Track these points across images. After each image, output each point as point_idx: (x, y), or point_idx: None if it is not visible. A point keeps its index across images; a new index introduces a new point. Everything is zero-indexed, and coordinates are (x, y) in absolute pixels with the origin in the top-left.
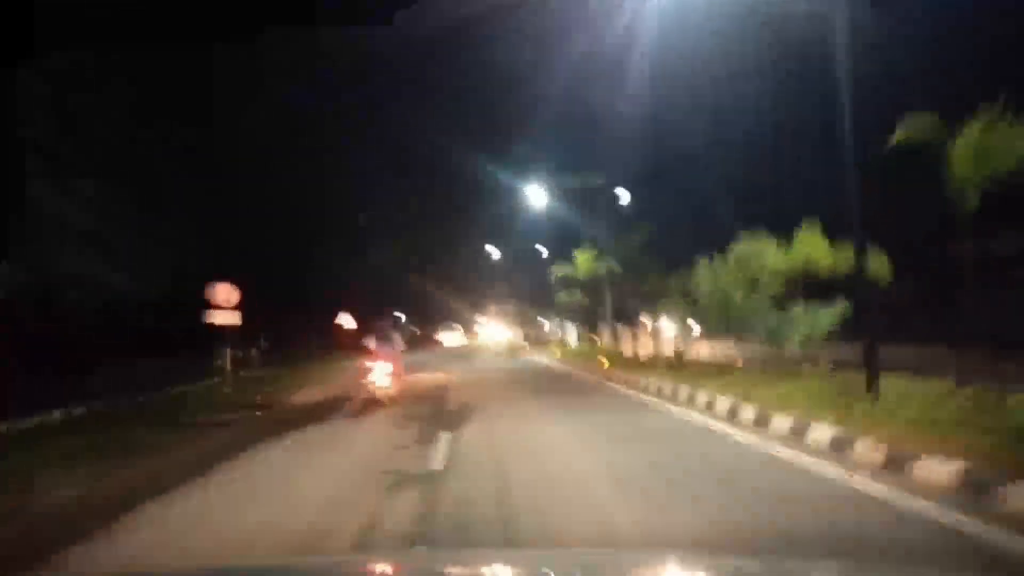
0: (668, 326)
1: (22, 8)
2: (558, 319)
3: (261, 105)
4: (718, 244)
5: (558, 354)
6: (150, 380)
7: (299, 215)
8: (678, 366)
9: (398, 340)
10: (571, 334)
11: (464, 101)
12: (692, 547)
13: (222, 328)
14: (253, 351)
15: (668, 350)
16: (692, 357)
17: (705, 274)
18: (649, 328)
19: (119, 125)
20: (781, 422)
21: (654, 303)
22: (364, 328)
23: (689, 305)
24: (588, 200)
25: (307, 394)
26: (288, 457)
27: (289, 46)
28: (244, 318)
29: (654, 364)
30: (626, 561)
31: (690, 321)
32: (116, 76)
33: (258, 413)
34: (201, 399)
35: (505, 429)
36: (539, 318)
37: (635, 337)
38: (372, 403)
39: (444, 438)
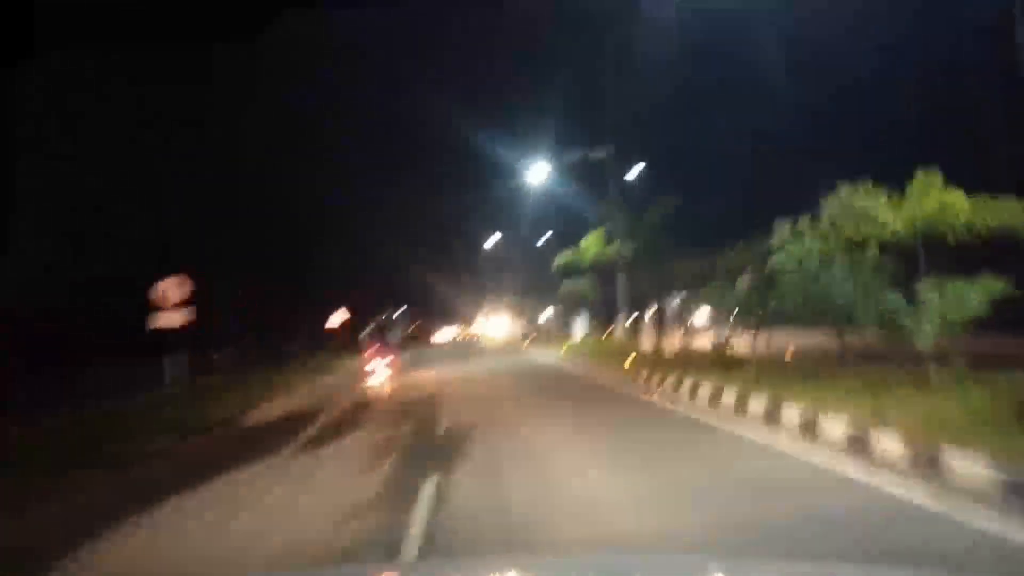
0: (703, 315)
1: (22, 8)
2: (563, 312)
3: (258, 101)
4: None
5: (566, 351)
6: (96, 390)
7: (296, 214)
8: (729, 365)
9: (394, 337)
10: (578, 328)
11: (464, 74)
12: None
13: (171, 330)
14: (220, 355)
15: (701, 344)
16: (737, 353)
17: (790, 244)
18: (677, 319)
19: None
20: (967, 466)
21: (683, 289)
22: (359, 326)
23: (733, 292)
24: (595, 177)
25: (272, 407)
26: (184, 529)
27: (289, 42)
28: (233, 319)
29: (689, 362)
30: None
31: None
32: (115, 76)
33: (198, 438)
34: (140, 418)
35: (517, 477)
36: (542, 311)
37: (658, 330)
38: (343, 421)
39: (427, 493)
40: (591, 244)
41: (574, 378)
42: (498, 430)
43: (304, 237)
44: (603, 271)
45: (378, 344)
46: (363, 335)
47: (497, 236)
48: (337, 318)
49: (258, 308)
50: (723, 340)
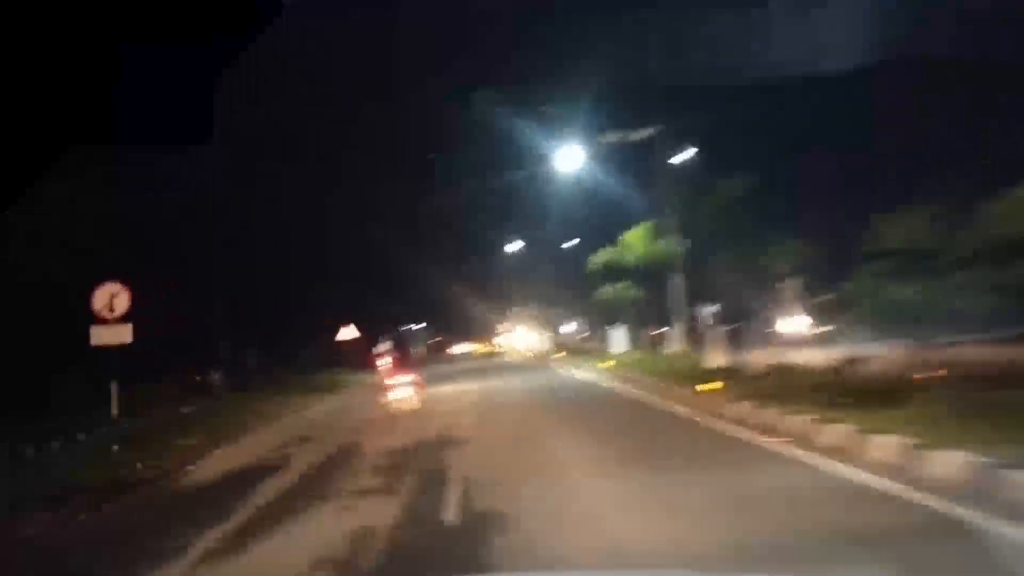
0: (800, 321)
1: None
2: (598, 321)
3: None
4: None
5: (607, 365)
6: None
7: (306, 224)
8: (873, 395)
9: (416, 352)
10: (617, 340)
11: (480, 55)
12: None
13: (113, 347)
14: (214, 375)
15: (797, 358)
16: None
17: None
18: (763, 327)
19: None
20: None
21: (761, 288)
22: (373, 340)
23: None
24: (635, 165)
25: (232, 453)
26: None
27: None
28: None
29: (795, 386)
30: None
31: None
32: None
33: (76, 518)
34: (37, 470)
35: None
36: (568, 322)
37: (734, 341)
38: (308, 485)
39: None
40: (635, 240)
41: (627, 404)
42: (547, 508)
43: (312, 248)
44: (646, 273)
45: (398, 358)
46: (379, 350)
47: (519, 244)
48: (348, 332)
49: (261, 321)
50: (852, 357)
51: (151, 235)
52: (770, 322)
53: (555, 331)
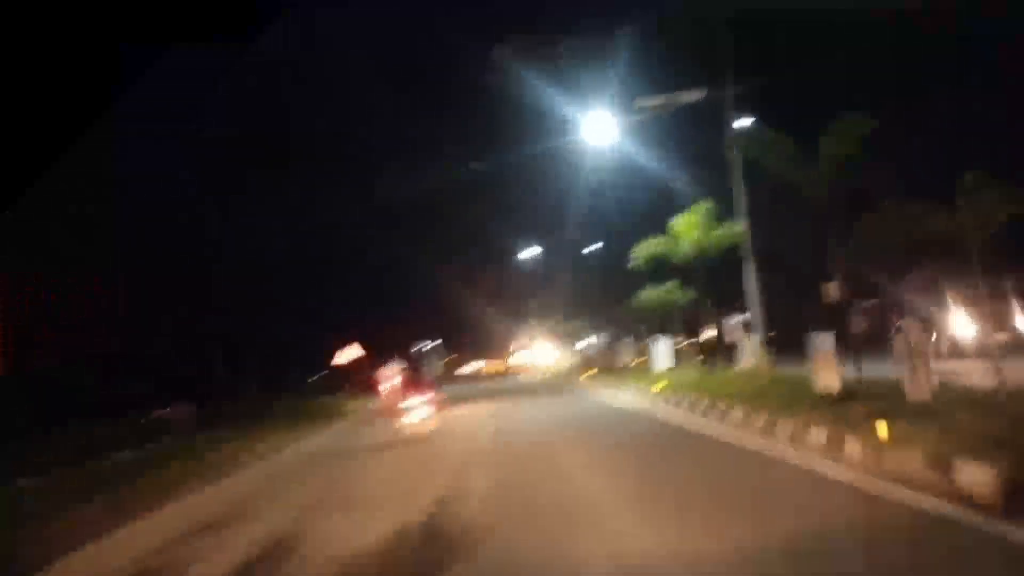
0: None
1: None
2: (634, 330)
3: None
4: None
5: (659, 388)
6: None
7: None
8: None
9: (431, 372)
10: (661, 353)
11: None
12: None
13: None
14: (177, 409)
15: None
16: None
17: None
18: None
19: None
20: None
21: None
22: (376, 361)
23: None
24: (684, 135)
25: (109, 549)
26: None
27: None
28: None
29: None
30: None
31: None
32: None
33: None
34: None
35: None
36: (592, 334)
37: (850, 350)
38: None
39: None
40: (688, 228)
41: (751, 467)
42: None
43: (313, 260)
44: (689, 271)
45: (409, 378)
46: (385, 371)
47: (537, 250)
48: (349, 353)
49: (262, 342)
50: None
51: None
52: (926, 322)
53: (579, 345)
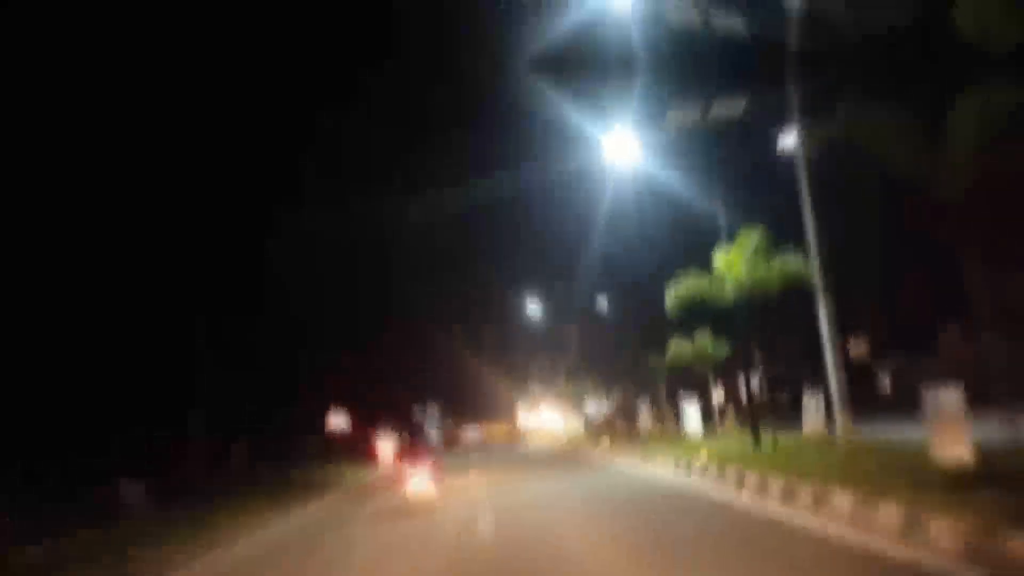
0: None
1: None
2: (649, 391)
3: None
4: None
5: (703, 461)
6: None
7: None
8: None
9: (432, 439)
10: (693, 418)
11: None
12: None
13: None
14: (128, 488)
15: None
16: None
17: None
18: None
19: None
20: None
21: None
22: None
23: None
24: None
25: None
26: None
27: None
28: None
29: None
30: None
31: None
32: None
33: None
34: None
35: None
36: (605, 396)
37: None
38: None
39: None
40: (734, 263)
41: None
42: None
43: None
44: (730, 316)
45: (411, 447)
46: (385, 439)
47: (541, 308)
48: (341, 419)
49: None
50: None
51: None
52: None
53: (588, 408)
